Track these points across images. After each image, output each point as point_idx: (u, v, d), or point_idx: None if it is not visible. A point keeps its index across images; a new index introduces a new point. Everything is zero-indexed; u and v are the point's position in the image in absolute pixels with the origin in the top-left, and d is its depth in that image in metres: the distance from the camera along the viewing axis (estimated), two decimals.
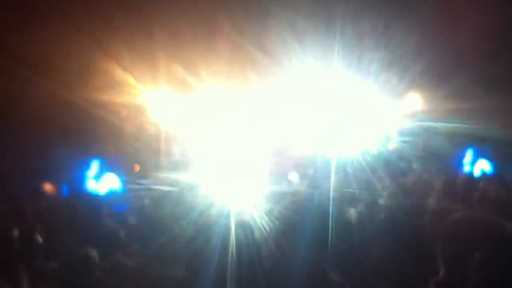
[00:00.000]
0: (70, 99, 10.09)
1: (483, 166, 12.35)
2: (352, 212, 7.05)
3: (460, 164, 12.48)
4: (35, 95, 10.07)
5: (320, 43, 10.93)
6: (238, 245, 5.38)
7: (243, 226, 6.09)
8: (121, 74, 10.22)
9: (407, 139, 12.46)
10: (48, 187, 10.86)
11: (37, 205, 9.09)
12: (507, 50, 11.66)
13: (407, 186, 7.88)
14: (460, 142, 12.56)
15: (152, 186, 11.20)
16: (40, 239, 5.82)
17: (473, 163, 12.50)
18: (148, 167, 11.46)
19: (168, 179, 11.35)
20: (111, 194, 11.52)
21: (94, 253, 5.51)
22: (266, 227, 6.51)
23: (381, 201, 6.71)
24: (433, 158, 11.34)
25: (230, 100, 11.12)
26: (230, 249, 5.61)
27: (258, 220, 6.79)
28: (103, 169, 11.72)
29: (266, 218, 6.66)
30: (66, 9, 8.93)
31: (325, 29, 10.86)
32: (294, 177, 12.68)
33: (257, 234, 5.92)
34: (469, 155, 12.55)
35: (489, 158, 12.38)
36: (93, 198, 10.62)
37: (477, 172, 12.28)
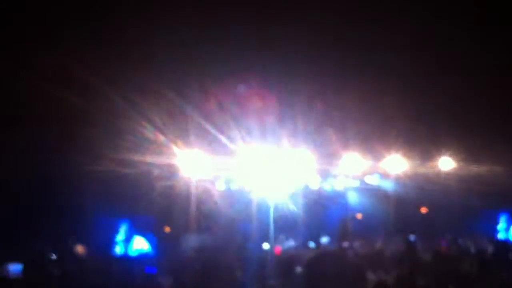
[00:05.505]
0: (101, 157, 10.25)
1: None
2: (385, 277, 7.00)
3: (494, 230, 12.20)
4: (69, 155, 10.26)
5: None
6: None
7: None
8: (153, 134, 10.40)
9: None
10: (79, 249, 10.93)
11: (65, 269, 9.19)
12: None
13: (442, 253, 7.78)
14: (495, 206, 12.30)
15: (183, 247, 11.24)
16: None
17: (507, 228, 12.23)
18: (179, 228, 11.48)
19: (199, 240, 11.41)
20: (140, 256, 11.55)
21: None
22: None
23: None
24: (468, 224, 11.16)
25: (262, 160, 11.16)
26: None
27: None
28: (133, 231, 11.79)
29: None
30: (100, 71, 9.28)
31: None
32: (325, 239, 12.78)
33: None
34: (503, 220, 12.29)
35: None
36: (123, 261, 10.66)
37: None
